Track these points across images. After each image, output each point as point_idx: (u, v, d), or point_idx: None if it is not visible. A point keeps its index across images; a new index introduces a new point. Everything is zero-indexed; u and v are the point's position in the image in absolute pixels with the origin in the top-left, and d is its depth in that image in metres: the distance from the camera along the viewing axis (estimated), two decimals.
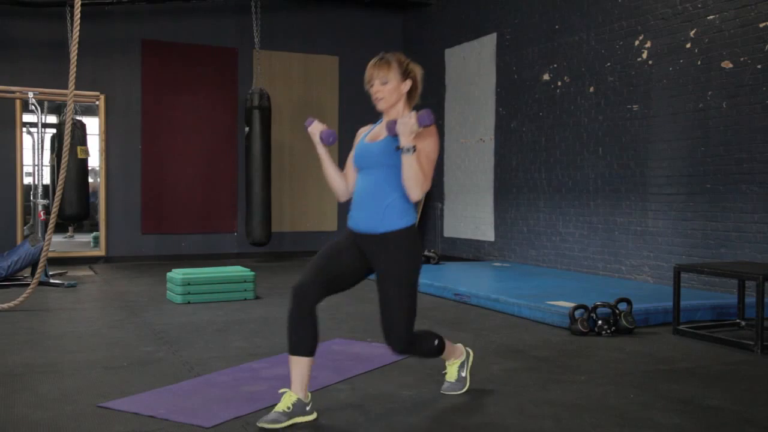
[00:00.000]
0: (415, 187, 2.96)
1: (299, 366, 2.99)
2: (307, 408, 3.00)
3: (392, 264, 3.02)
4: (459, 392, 3.40)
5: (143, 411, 3.09)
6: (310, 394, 3.04)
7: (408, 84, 3.13)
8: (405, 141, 2.93)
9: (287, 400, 2.97)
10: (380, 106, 3.14)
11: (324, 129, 3.18)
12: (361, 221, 3.08)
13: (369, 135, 3.21)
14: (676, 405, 3.25)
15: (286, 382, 3.21)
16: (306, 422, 2.97)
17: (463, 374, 3.44)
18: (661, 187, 6.59)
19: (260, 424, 2.90)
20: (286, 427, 2.90)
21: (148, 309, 5.71)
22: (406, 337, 3.06)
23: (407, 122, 2.92)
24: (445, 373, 3.48)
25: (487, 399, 3.33)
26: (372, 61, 3.16)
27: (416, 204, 3.15)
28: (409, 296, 3.04)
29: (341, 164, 3.15)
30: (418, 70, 3.17)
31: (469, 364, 3.50)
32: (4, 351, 4.22)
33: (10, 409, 3.13)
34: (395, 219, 3.03)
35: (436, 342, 3.28)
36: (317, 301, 3.01)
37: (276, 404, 3.01)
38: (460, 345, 3.52)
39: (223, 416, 3.03)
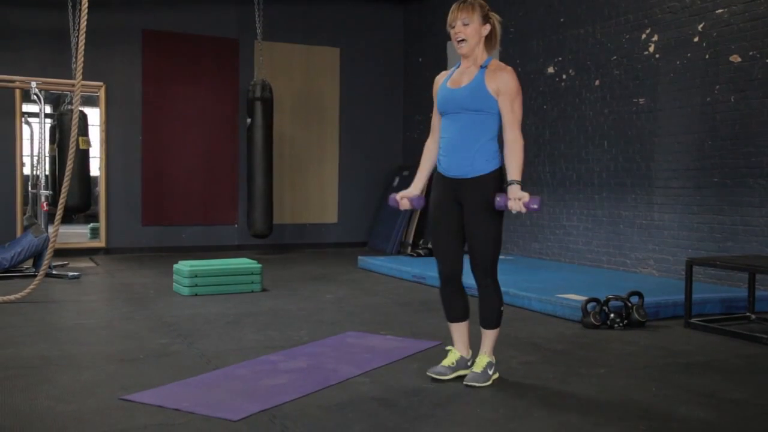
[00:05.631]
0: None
1: (458, 329, 3.51)
2: (468, 363, 3.49)
3: (481, 203, 3.29)
4: (480, 384, 3.37)
5: (167, 404, 3.07)
6: (470, 351, 3.53)
7: (487, 28, 3.34)
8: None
9: (452, 357, 3.48)
10: (462, 47, 3.32)
11: (410, 198, 3.48)
12: (451, 167, 3.34)
13: (450, 80, 3.38)
14: (699, 398, 3.26)
15: (305, 375, 3.24)
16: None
17: (490, 372, 3.43)
18: (668, 180, 6.61)
19: (429, 374, 3.44)
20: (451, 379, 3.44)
21: (156, 301, 5.68)
22: (491, 268, 3.36)
23: (516, 206, 3.16)
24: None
25: (510, 392, 3.33)
26: (455, 5, 3.34)
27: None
28: (496, 232, 3.33)
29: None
30: (496, 18, 3.39)
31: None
32: (18, 342, 4.19)
33: (33, 401, 3.10)
34: (484, 163, 3.28)
35: (503, 309, 3.46)
36: (461, 275, 3.47)
37: (301, 397, 3.00)
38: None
39: (248, 409, 3.01)
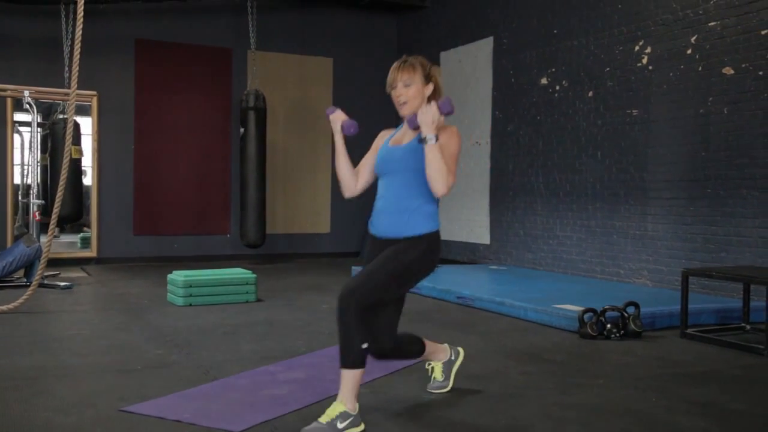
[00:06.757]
0: (440, 179, 2.89)
1: (428, 354, 3.42)
2: (453, 360, 3.51)
3: (401, 250, 2.95)
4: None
5: (167, 415, 3.04)
6: (450, 350, 3.52)
7: (430, 88, 3.11)
8: (427, 130, 2.91)
9: (437, 368, 3.48)
10: (403, 110, 3.09)
11: (346, 119, 3.16)
12: (384, 228, 3.06)
13: (392, 139, 3.20)
14: (698, 409, 3.27)
15: (305, 386, 3.22)
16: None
17: (340, 426, 2.83)
18: (661, 191, 6.64)
19: (429, 390, 3.45)
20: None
21: (151, 311, 5.65)
22: (354, 297, 2.81)
23: (428, 111, 2.91)
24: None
25: (511, 402, 3.33)
26: (395, 65, 3.12)
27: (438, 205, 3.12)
28: (392, 276, 2.91)
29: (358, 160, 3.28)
30: (438, 74, 3.16)
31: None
32: (13, 353, 4.15)
33: (32, 413, 3.07)
34: (420, 224, 3.00)
35: (365, 347, 2.86)
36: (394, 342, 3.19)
37: (302, 408, 2.98)
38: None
39: (250, 420, 2.99)
